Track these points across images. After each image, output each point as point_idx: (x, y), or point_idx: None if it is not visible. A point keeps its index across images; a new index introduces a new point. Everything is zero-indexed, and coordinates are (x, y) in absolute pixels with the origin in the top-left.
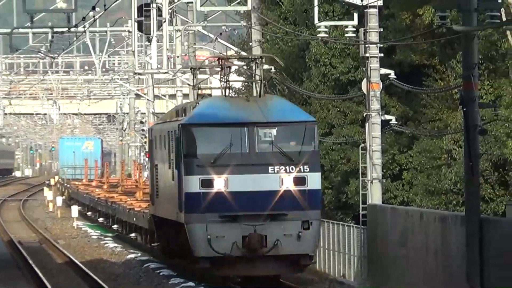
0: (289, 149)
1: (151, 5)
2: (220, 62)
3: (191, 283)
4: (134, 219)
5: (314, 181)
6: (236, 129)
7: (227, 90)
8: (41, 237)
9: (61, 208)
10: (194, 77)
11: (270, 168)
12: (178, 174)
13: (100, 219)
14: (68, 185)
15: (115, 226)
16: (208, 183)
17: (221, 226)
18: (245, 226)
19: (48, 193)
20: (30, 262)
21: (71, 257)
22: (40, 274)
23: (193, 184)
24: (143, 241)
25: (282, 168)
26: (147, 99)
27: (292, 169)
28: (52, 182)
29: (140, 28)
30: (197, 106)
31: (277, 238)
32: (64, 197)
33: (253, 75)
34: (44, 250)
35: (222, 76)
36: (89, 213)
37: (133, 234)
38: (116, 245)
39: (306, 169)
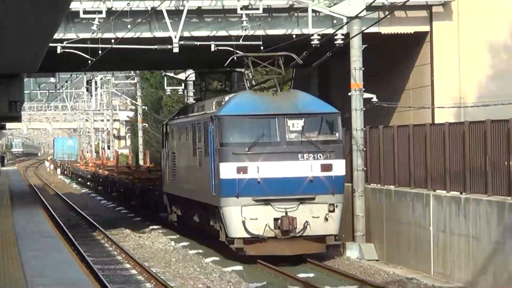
0: (316, 138)
1: (92, 80)
2: (246, 60)
3: (113, 203)
4: (137, 192)
5: (339, 167)
6: (268, 120)
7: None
8: (43, 183)
9: (52, 170)
10: (202, 80)
11: (299, 155)
12: (212, 161)
13: (99, 187)
14: (68, 165)
15: (114, 194)
16: (243, 170)
17: (254, 209)
18: (277, 209)
19: (47, 163)
20: (38, 193)
21: (57, 191)
22: (43, 198)
23: (229, 170)
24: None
25: (310, 156)
26: (90, 122)
27: (320, 156)
28: (49, 158)
29: (87, 90)
30: (229, 99)
31: (306, 220)
32: (64, 171)
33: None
34: (45, 188)
35: (248, 71)
36: (89, 183)
37: (133, 202)
38: (77, 186)
39: (333, 157)
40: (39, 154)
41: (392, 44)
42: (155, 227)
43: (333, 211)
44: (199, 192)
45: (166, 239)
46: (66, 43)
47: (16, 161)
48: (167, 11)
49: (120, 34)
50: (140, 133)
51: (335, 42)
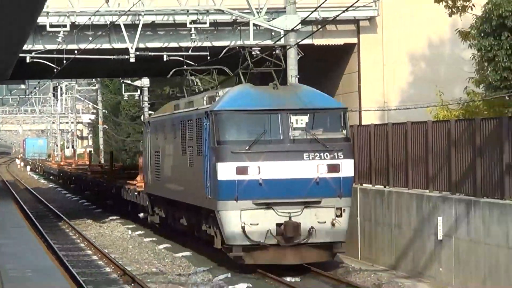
0: (322, 135)
1: (58, 86)
2: (243, 51)
3: (76, 197)
4: (112, 191)
5: (348, 168)
6: (269, 116)
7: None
8: (15, 178)
9: (22, 167)
10: (186, 77)
11: (304, 155)
12: (207, 161)
13: (72, 185)
14: (40, 164)
15: (87, 192)
16: (242, 170)
17: (255, 214)
18: (280, 214)
19: (18, 161)
20: (10, 187)
21: (27, 186)
22: (14, 192)
23: (227, 171)
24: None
25: (316, 155)
26: (57, 124)
27: (327, 156)
28: (19, 156)
29: (54, 95)
30: (226, 93)
31: (312, 226)
32: (36, 169)
33: (277, 63)
34: (16, 183)
35: (244, 64)
36: (60, 181)
37: (108, 201)
38: (44, 181)
39: (340, 156)
40: (11, 153)
41: (325, 54)
42: (114, 217)
43: (340, 215)
44: (190, 194)
45: (124, 228)
46: (34, 54)
47: None
48: (125, 25)
49: (82, 46)
50: (100, 134)
51: (274, 52)
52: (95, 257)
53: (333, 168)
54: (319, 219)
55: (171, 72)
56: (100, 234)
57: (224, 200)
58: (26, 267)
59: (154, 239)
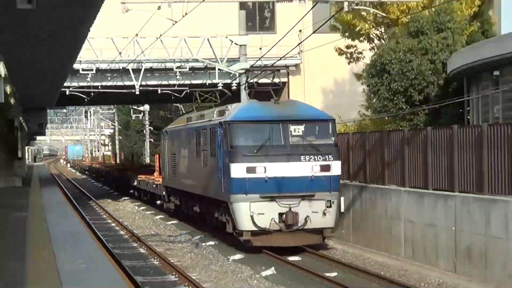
0: (315, 141)
1: (88, 110)
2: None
3: (100, 184)
4: (134, 183)
5: (336, 168)
6: (273, 125)
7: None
8: (59, 172)
9: (65, 165)
10: (195, 100)
11: (302, 157)
12: (221, 162)
13: (102, 179)
14: (78, 163)
15: (113, 185)
16: (251, 169)
17: (261, 205)
18: (281, 205)
19: (62, 160)
20: (56, 179)
21: (67, 177)
22: (60, 182)
23: (238, 170)
24: (143, 197)
25: (311, 158)
26: (87, 136)
27: (319, 158)
28: (63, 157)
29: (85, 116)
30: (236, 107)
31: (307, 215)
32: (75, 166)
33: (274, 83)
34: (61, 175)
35: (248, 83)
36: (94, 175)
37: (131, 191)
38: (80, 174)
39: (330, 158)
40: (57, 155)
41: (266, 89)
42: (126, 198)
43: (330, 206)
44: (204, 187)
45: (133, 205)
46: (72, 89)
47: (43, 158)
48: (132, 69)
49: (104, 83)
50: (117, 142)
51: (232, 87)
52: (113, 224)
53: (325, 168)
54: (313, 210)
55: (183, 92)
56: (116, 209)
57: (236, 194)
58: (66, 231)
59: (152, 212)
